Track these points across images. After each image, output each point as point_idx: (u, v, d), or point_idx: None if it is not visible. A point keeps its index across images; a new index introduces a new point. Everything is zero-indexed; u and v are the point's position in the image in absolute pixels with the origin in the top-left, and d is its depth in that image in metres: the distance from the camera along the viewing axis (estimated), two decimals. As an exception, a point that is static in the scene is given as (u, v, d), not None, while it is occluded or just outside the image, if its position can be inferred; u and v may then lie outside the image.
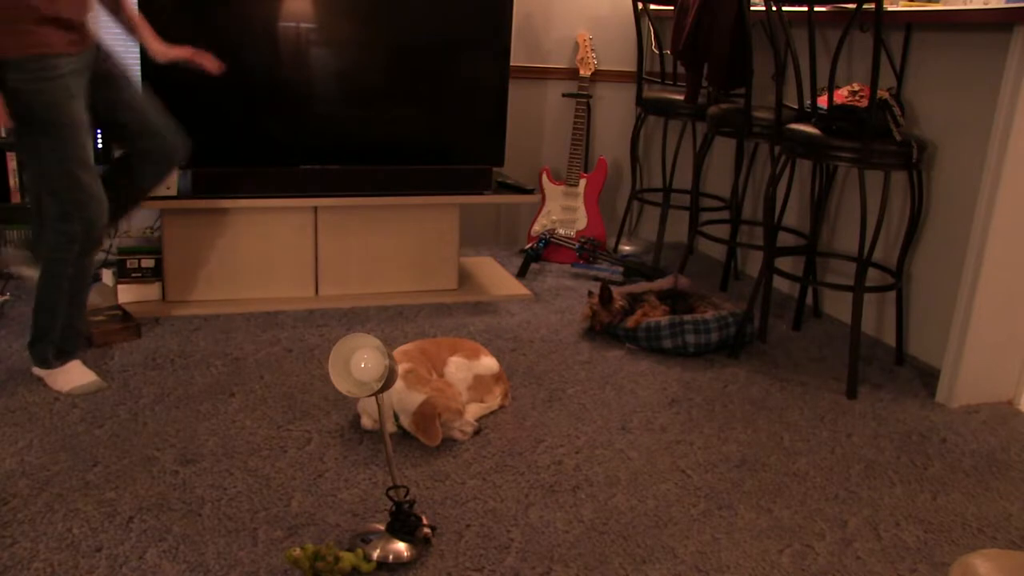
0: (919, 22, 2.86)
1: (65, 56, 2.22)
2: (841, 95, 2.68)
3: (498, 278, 3.60)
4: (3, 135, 3.20)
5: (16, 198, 3.29)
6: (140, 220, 3.56)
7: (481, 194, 3.32)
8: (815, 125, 2.73)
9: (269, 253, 3.18)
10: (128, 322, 2.78)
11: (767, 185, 2.90)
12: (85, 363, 2.50)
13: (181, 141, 2.60)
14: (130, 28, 2.59)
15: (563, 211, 3.94)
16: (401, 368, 2.28)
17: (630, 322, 2.97)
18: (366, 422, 2.29)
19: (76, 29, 2.26)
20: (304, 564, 1.67)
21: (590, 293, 3.09)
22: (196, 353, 2.71)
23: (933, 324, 2.93)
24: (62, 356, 2.44)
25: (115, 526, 1.83)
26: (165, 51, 2.62)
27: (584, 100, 3.85)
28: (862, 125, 2.57)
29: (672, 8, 3.50)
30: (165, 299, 3.10)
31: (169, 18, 2.90)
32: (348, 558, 1.70)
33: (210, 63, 2.68)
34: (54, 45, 2.19)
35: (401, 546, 1.76)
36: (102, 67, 2.41)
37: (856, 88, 2.68)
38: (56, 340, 2.41)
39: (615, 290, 3.07)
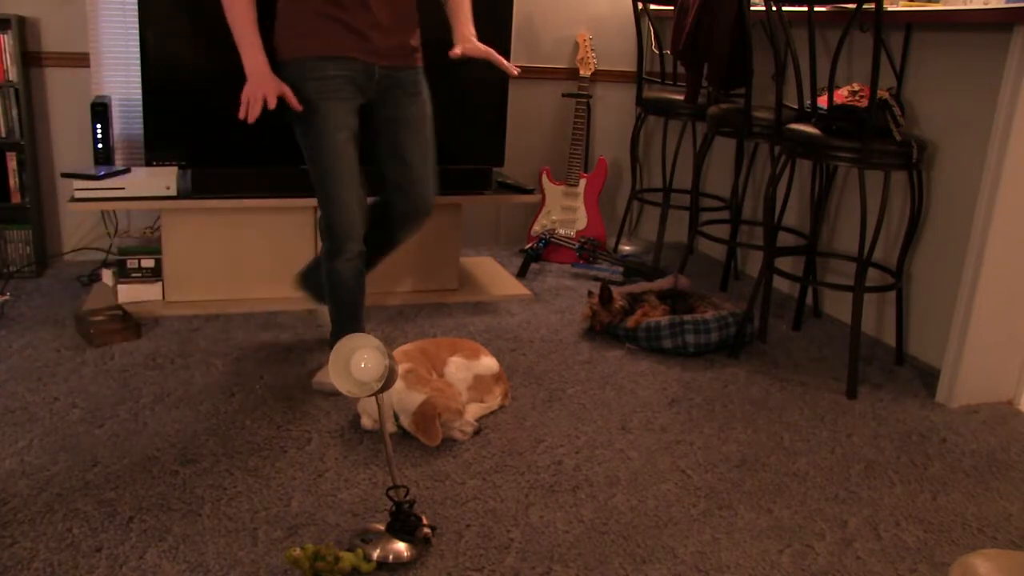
0: (919, 22, 2.86)
1: (335, 59, 2.24)
2: (841, 95, 2.68)
3: (498, 278, 3.59)
4: (3, 135, 3.21)
5: (16, 198, 3.29)
6: (140, 220, 3.57)
7: (481, 194, 3.32)
8: (815, 125, 2.73)
9: (269, 253, 3.18)
10: (128, 322, 2.78)
11: (767, 185, 2.90)
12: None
13: (426, 205, 2.49)
14: (451, 10, 2.49)
15: (563, 211, 3.94)
16: (401, 368, 2.28)
17: (630, 322, 2.97)
18: (366, 422, 2.29)
19: (365, 37, 2.25)
20: (304, 564, 1.67)
21: (590, 293, 3.09)
22: (196, 353, 2.71)
23: (933, 324, 2.93)
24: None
25: (115, 526, 1.82)
26: (469, 40, 2.44)
27: (584, 100, 3.85)
28: (862, 125, 2.57)
29: (672, 8, 3.50)
30: (165, 299, 3.10)
31: (169, 18, 2.90)
32: (348, 558, 1.70)
33: (509, 66, 2.50)
34: (324, 47, 2.23)
35: (401, 546, 1.76)
36: (397, 100, 2.38)
37: (856, 88, 2.68)
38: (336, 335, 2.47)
39: (615, 290, 3.07)
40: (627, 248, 4.11)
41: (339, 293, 2.40)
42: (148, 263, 3.07)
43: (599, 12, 4.02)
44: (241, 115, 2.20)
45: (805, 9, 2.75)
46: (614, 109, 4.18)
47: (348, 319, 2.44)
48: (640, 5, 3.75)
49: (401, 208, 2.49)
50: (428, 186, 2.49)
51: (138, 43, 2.92)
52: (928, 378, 2.84)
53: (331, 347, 2.50)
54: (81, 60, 3.36)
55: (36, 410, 2.29)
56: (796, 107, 2.96)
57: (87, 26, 3.29)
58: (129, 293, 3.06)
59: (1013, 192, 2.47)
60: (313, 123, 2.26)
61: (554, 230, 3.91)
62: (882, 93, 2.58)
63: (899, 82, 2.98)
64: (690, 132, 4.17)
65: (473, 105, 3.28)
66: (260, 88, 2.19)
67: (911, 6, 2.88)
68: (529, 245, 3.83)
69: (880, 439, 2.42)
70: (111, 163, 3.18)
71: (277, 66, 2.26)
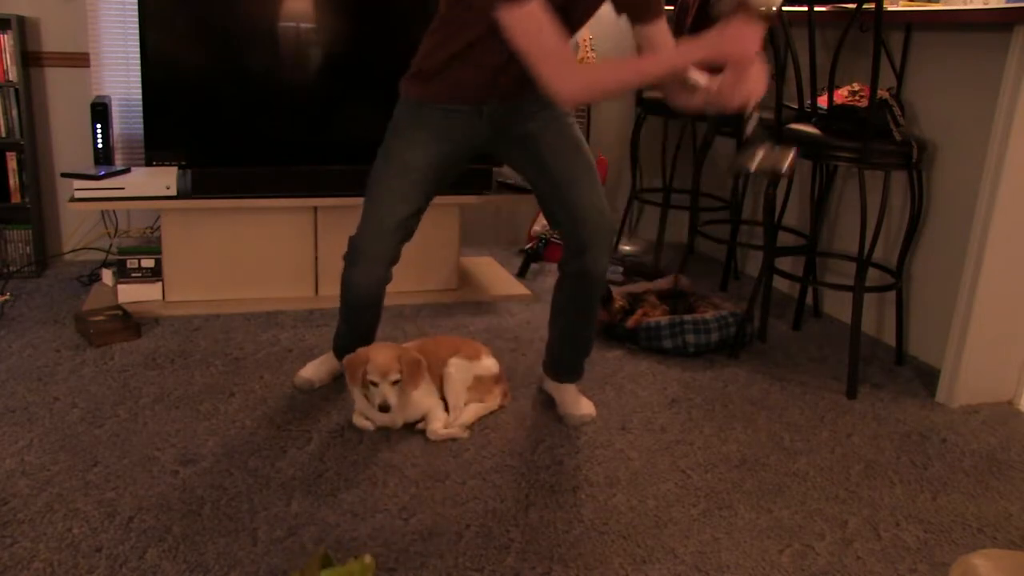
0: (919, 22, 2.86)
1: (416, 103, 2.21)
2: (841, 95, 2.68)
3: (498, 278, 3.59)
4: (3, 135, 3.21)
5: (16, 198, 3.29)
6: (140, 220, 3.57)
7: (481, 194, 3.32)
8: (815, 125, 2.73)
9: (269, 253, 3.18)
10: (128, 322, 2.78)
11: (767, 185, 2.90)
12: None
13: (595, 237, 2.20)
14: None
15: (563, 211, 3.93)
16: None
17: (630, 322, 2.97)
18: (366, 422, 2.29)
19: (482, 98, 2.19)
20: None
21: (590, 293, 3.09)
22: (196, 353, 2.71)
23: (933, 324, 2.93)
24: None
25: (115, 526, 1.83)
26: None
27: (584, 100, 3.84)
28: (862, 125, 2.57)
29: (672, 8, 3.50)
30: (165, 299, 3.10)
31: (169, 18, 2.90)
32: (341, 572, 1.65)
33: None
34: (408, 93, 2.23)
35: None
36: (515, 123, 2.25)
37: (856, 88, 2.69)
38: (346, 345, 2.41)
39: (615, 290, 3.06)
40: (627, 248, 4.11)
41: (346, 298, 2.36)
42: (148, 263, 3.07)
43: (599, 12, 4.01)
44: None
45: (805, 9, 2.75)
46: (614, 109, 4.18)
47: (352, 330, 2.41)
48: (640, 5, 3.74)
49: (571, 234, 2.24)
50: (595, 212, 2.20)
51: (138, 43, 2.92)
52: (928, 378, 2.84)
53: (334, 351, 2.51)
54: (81, 60, 3.36)
55: (36, 410, 2.29)
56: (796, 107, 2.96)
57: (87, 26, 3.29)
58: (129, 293, 3.06)
59: (1013, 192, 2.47)
60: (382, 152, 2.25)
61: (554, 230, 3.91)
62: (882, 93, 2.59)
63: (899, 82, 2.98)
64: (690, 132, 4.17)
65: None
66: None
67: (911, 6, 2.88)
68: (529, 245, 3.83)
69: (880, 439, 2.42)
70: (111, 163, 3.18)
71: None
